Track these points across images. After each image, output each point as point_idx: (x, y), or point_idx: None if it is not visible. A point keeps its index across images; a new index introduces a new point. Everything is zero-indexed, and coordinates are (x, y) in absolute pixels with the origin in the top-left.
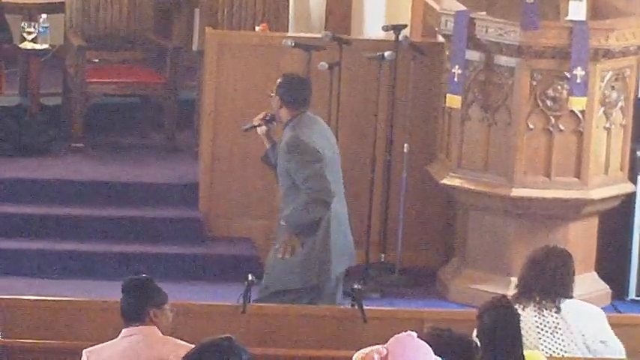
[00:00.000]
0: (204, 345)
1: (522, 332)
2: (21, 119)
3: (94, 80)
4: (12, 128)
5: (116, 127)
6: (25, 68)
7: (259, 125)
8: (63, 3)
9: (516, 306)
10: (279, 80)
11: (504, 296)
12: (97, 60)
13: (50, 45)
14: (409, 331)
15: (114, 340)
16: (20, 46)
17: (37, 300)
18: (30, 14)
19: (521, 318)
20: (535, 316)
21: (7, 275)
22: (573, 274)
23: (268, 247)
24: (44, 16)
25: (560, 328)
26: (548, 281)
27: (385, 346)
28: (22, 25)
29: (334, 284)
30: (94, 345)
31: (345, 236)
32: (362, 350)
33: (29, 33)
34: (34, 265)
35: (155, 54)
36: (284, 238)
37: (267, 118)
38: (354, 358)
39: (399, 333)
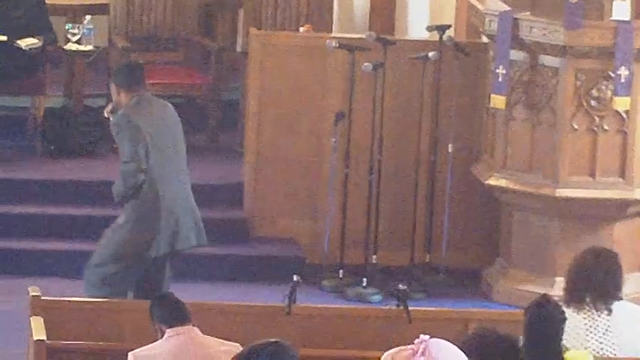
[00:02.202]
0: (253, 348)
1: (570, 334)
2: (65, 121)
3: None
4: (57, 130)
5: None
6: (70, 70)
7: (109, 118)
8: (107, 4)
9: (565, 308)
10: (114, 68)
11: (546, 295)
12: (141, 61)
13: (94, 46)
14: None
15: (159, 341)
16: (64, 47)
17: (81, 301)
18: (74, 16)
19: (570, 319)
20: (585, 317)
21: (54, 276)
22: (622, 275)
23: (313, 248)
24: (88, 17)
25: (611, 331)
26: (600, 283)
27: (413, 346)
28: (67, 26)
29: (154, 265)
30: (138, 346)
31: (174, 218)
32: (390, 351)
33: (73, 34)
34: (79, 267)
35: (199, 55)
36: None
37: (112, 109)
38: (383, 357)
39: (444, 333)
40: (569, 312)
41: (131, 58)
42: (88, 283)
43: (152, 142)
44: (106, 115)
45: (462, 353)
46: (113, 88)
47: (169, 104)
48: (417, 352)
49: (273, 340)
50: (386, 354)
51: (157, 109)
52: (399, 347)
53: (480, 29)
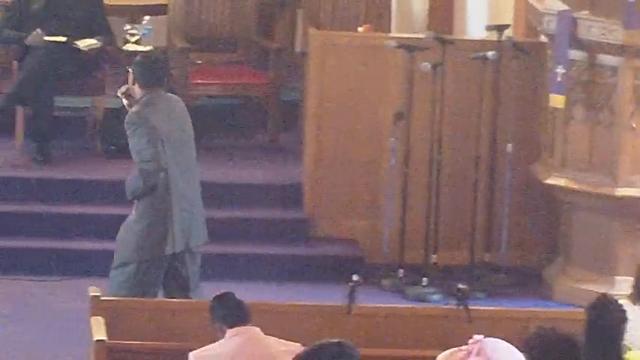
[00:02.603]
0: (317, 348)
1: (638, 330)
2: (125, 120)
3: (198, 81)
4: (116, 130)
5: (219, 128)
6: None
7: (121, 98)
8: (166, 5)
9: (633, 305)
10: (137, 58)
11: (607, 295)
12: (200, 61)
13: (153, 47)
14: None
15: (220, 341)
16: (123, 48)
17: (142, 301)
18: (133, 16)
19: (635, 318)
20: None
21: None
22: None
23: (373, 247)
24: (147, 18)
25: None
26: None
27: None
28: (125, 27)
29: (177, 261)
30: (199, 346)
31: (188, 215)
32: (445, 352)
33: (132, 35)
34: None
35: (258, 55)
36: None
37: (126, 92)
38: (438, 358)
39: (504, 333)
40: (637, 309)
41: (155, 54)
42: (113, 285)
43: (166, 140)
44: (118, 95)
45: (519, 352)
46: (130, 77)
47: (179, 100)
48: (471, 353)
49: (336, 340)
50: (441, 355)
51: (168, 106)
52: (454, 348)
53: (539, 29)
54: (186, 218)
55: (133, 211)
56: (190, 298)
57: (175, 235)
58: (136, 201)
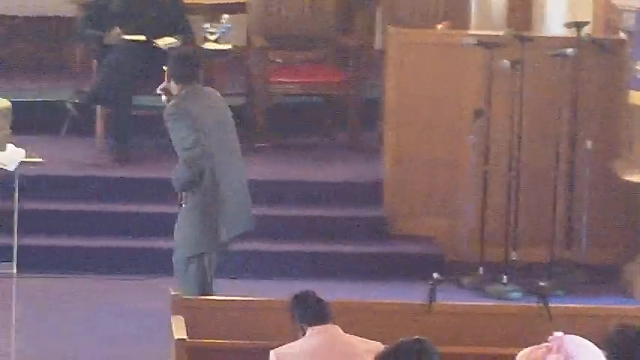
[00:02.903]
0: (397, 346)
1: None
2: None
3: (277, 80)
4: None
5: (299, 127)
6: (208, 69)
7: (160, 95)
8: (245, 3)
9: None
10: (171, 54)
11: None
12: (279, 60)
13: (232, 45)
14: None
15: (301, 340)
16: (202, 46)
17: (222, 300)
18: (212, 15)
19: None
20: None
21: None
22: None
23: (452, 245)
24: (226, 16)
25: None
26: None
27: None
28: (205, 25)
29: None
30: (279, 345)
31: (234, 204)
32: (525, 349)
33: (211, 34)
34: (222, 266)
35: (337, 53)
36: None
37: (164, 88)
38: (518, 356)
39: (584, 330)
40: None
41: (187, 51)
42: (181, 281)
43: (208, 130)
44: (158, 92)
45: (598, 350)
46: (166, 73)
47: (217, 92)
48: (551, 350)
49: (417, 337)
50: (521, 353)
51: (207, 98)
52: (534, 346)
53: (618, 25)
54: (234, 206)
55: (183, 205)
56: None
57: (227, 223)
58: (184, 194)
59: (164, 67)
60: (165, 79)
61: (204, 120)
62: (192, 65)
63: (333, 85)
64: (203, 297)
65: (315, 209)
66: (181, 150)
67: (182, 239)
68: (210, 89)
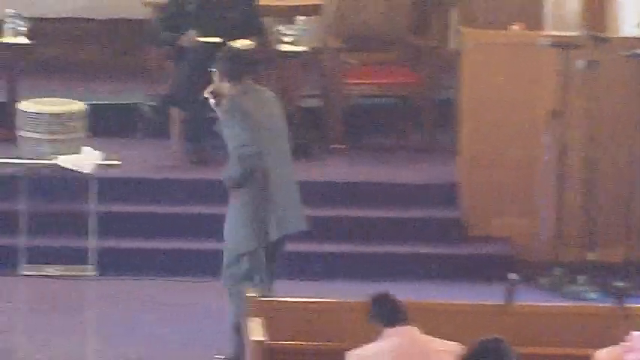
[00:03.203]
0: (477, 346)
1: None
2: (222, 111)
3: (352, 82)
4: None
5: (375, 128)
6: (283, 71)
7: (208, 98)
8: (320, 5)
9: None
10: (218, 54)
11: None
12: (354, 61)
13: (308, 47)
14: None
15: (378, 341)
16: (278, 48)
17: (300, 301)
18: (287, 17)
19: None
20: None
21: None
22: None
23: (528, 246)
24: (301, 18)
25: None
26: None
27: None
28: (279, 27)
29: (272, 248)
30: (357, 346)
31: (286, 202)
32: (603, 350)
33: (287, 35)
34: (298, 267)
35: (412, 54)
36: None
37: (213, 91)
38: (596, 356)
39: None
40: None
41: (236, 49)
42: (231, 281)
43: (262, 127)
44: (205, 96)
45: None
46: (217, 75)
47: (269, 91)
48: (629, 350)
49: (496, 337)
50: (598, 353)
51: (261, 97)
52: (612, 346)
53: None
54: (284, 205)
55: (234, 203)
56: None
57: (278, 221)
58: (234, 192)
59: (212, 69)
60: (216, 79)
61: (258, 118)
62: (243, 63)
63: (407, 86)
64: (281, 299)
65: (391, 211)
66: (235, 147)
67: (232, 237)
68: (264, 88)
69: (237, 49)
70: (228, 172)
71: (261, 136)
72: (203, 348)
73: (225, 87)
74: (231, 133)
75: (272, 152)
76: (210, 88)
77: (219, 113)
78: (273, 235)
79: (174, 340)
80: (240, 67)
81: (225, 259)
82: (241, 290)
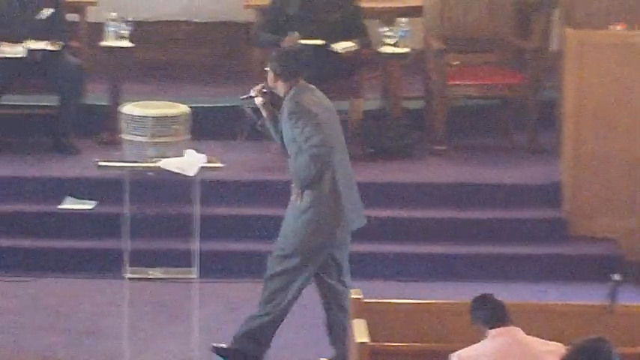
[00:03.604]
0: (580, 346)
1: None
2: (383, 123)
3: (455, 83)
4: (374, 132)
5: (478, 129)
6: (386, 72)
7: (256, 96)
8: (422, 6)
9: None
10: (271, 55)
11: None
12: (457, 62)
13: (410, 49)
14: None
15: (482, 342)
16: (380, 50)
17: (404, 303)
18: (389, 18)
19: None
20: None
21: (375, 278)
22: None
23: (633, 246)
24: (403, 19)
25: None
26: None
27: None
28: (382, 29)
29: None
30: (461, 347)
31: (352, 200)
32: None
33: (389, 37)
34: (396, 268)
35: (515, 55)
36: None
37: (264, 90)
38: None
39: None
40: None
41: (288, 48)
42: (275, 272)
43: (327, 127)
44: (252, 94)
45: None
46: (270, 75)
47: (314, 87)
48: None
49: (599, 337)
50: None
51: (317, 95)
52: None
53: None
54: (349, 204)
55: (299, 201)
56: (345, 281)
57: (347, 220)
58: (299, 190)
59: (266, 68)
60: (269, 80)
61: (323, 117)
62: (298, 62)
63: (511, 87)
64: (385, 300)
65: (494, 211)
66: (308, 147)
67: (294, 237)
68: (312, 86)
69: (292, 49)
70: (299, 171)
71: (328, 135)
72: (306, 348)
73: (281, 86)
74: (301, 134)
75: (336, 151)
76: (259, 87)
77: (264, 112)
78: (341, 234)
79: (275, 342)
80: (294, 66)
81: (276, 259)
82: (283, 288)
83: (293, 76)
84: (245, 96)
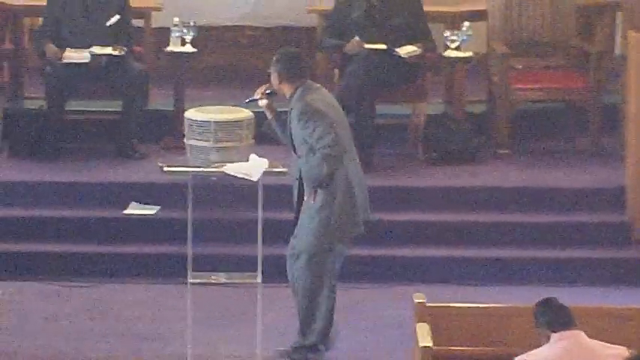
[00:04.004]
0: None
1: None
2: (447, 127)
3: (519, 86)
4: (438, 136)
5: (541, 133)
6: (450, 76)
7: (260, 99)
8: (485, 10)
9: None
10: (274, 57)
11: None
12: (520, 66)
13: (474, 53)
14: None
15: (545, 346)
16: (444, 54)
17: (467, 307)
18: (453, 22)
19: None
20: None
21: (438, 283)
22: None
23: None
24: (467, 23)
25: None
26: None
27: None
28: (445, 33)
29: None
30: (524, 351)
31: (363, 195)
32: None
33: (452, 41)
34: (459, 272)
35: (578, 59)
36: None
37: (268, 92)
38: None
39: None
40: None
41: (291, 50)
42: (303, 276)
43: (337, 126)
44: (256, 97)
45: None
46: (275, 77)
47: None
48: None
49: None
50: None
51: (323, 94)
52: None
53: None
54: (362, 199)
55: (312, 201)
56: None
57: (360, 216)
58: (312, 190)
59: (269, 71)
60: (273, 82)
61: (332, 116)
62: (302, 63)
63: (574, 90)
64: (448, 305)
65: (557, 215)
66: (321, 147)
67: (309, 235)
68: (318, 85)
69: (295, 50)
70: (311, 171)
71: (339, 134)
72: (374, 353)
73: (286, 87)
74: (312, 135)
75: (347, 149)
76: (262, 89)
77: (268, 114)
78: (357, 230)
79: (346, 345)
80: (299, 67)
81: (293, 258)
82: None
83: (298, 77)
84: (249, 99)
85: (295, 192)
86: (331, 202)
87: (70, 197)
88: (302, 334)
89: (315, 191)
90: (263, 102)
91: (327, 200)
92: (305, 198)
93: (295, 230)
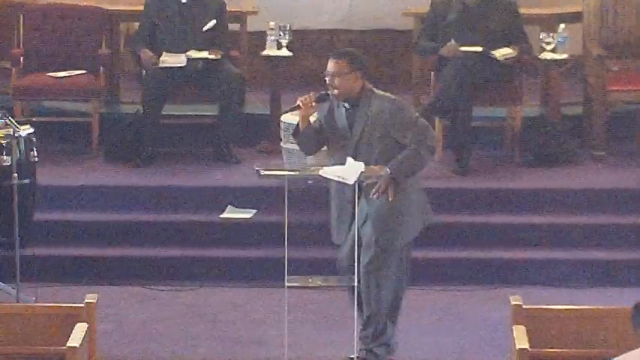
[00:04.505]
0: None
1: None
2: (543, 129)
3: (615, 88)
4: (534, 139)
5: (637, 135)
6: (546, 79)
7: (311, 105)
8: (581, 12)
9: None
10: (348, 58)
11: None
12: (616, 68)
13: (569, 55)
14: None
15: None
16: (540, 56)
17: (563, 309)
18: (548, 25)
19: None
20: None
21: (534, 285)
22: None
23: None
24: (562, 25)
25: None
26: None
27: None
28: (541, 35)
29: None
30: (620, 353)
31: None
32: None
33: (548, 43)
34: (555, 274)
35: None
36: (384, 182)
37: (315, 100)
38: None
39: None
40: None
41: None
42: (392, 269)
43: None
44: (298, 102)
45: None
46: (353, 76)
47: None
48: None
49: None
50: None
51: None
52: None
53: None
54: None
55: (384, 198)
56: None
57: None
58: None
59: (349, 70)
60: (351, 81)
61: None
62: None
63: None
64: (545, 307)
65: (605, 216)
66: (427, 140)
67: (399, 226)
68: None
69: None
70: (411, 163)
71: None
72: (472, 356)
73: (358, 86)
74: (402, 129)
75: None
76: (307, 98)
77: (302, 124)
78: (428, 221)
79: (442, 348)
80: (365, 63)
81: (373, 255)
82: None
83: (366, 72)
84: (290, 108)
85: (348, 194)
86: (414, 191)
87: (166, 202)
88: (381, 331)
89: (386, 188)
90: (306, 111)
91: (406, 195)
92: (372, 196)
93: (359, 233)
